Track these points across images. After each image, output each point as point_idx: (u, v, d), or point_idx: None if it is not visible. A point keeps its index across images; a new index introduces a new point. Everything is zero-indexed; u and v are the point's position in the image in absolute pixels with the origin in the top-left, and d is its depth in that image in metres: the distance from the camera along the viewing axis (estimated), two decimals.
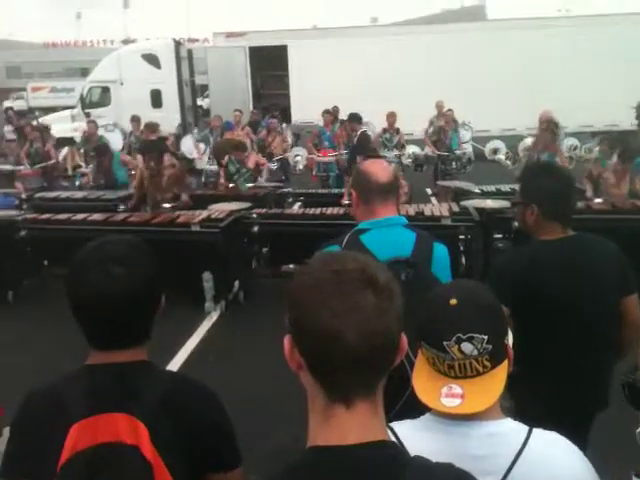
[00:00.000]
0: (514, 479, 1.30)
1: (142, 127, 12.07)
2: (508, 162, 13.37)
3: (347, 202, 7.12)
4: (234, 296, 7.04)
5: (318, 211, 7.24)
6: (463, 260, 6.57)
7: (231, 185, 8.75)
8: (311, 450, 1.06)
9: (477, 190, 8.28)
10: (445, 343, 1.36)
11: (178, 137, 15.23)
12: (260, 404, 4.51)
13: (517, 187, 2.76)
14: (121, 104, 16.67)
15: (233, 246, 6.88)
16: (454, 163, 11.55)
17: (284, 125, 13.99)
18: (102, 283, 1.47)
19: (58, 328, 4.27)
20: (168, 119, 15.95)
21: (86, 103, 18.01)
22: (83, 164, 12.34)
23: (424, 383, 1.41)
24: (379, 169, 2.48)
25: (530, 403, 2.33)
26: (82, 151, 12.69)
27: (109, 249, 1.54)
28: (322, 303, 1.02)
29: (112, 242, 1.58)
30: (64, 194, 9.47)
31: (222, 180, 9.10)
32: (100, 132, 12.71)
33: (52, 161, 11.36)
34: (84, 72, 28.97)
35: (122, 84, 17.58)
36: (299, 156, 12.68)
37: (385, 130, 11.44)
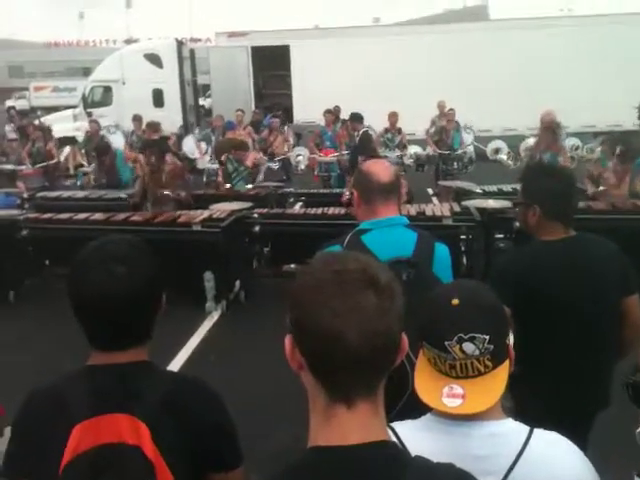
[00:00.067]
0: (515, 479, 1.30)
1: (144, 126, 12.10)
2: (510, 162, 13.34)
3: (347, 196, 7.11)
4: (235, 296, 7.04)
5: (319, 211, 7.24)
6: (464, 260, 6.57)
7: (227, 186, 8.75)
8: (312, 450, 1.06)
9: (478, 190, 8.27)
10: (447, 343, 1.36)
11: (180, 137, 15.25)
12: (261, 404, 4.51)
13: (519, 187, 2.76)
14: (123, 104, 16.66)
15: (234, 246, 6.88)
16: (455, 163, 11.54)
17: (286, 127, 13.97)
18: (104, 283, 1.47)
19: (59, 328, 4.27)
20: (170, 119, 15.96)
21: (88, 102, 18.01)
22: (85, 163, 12.35)
23: (425, 383, 1.41)
24: (381, 169, 2.48)
25: (530, 403, 2.33)
26: (84, 151, 12.70)
27: (111, 249, 1.54)
28: (323, 303, 1.02)
29: (113, 242, 1.58)
30: (66, 194, 9.47)
31: (220, 179, 9.12)
32: (102, 134, 12.71)
33: (54, 161, 11.37)
34: (86, 72, 29.01)
35: (124, 84, 17.58)
36: (301, 156, 12.68)
37: (387, 130, 11.44)
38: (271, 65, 17.50)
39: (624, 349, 2.60)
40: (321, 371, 1.05)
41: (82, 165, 12.49)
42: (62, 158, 12.50)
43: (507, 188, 8.22)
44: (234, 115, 12.87)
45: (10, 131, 14.64)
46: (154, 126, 11.20)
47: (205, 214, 7.03)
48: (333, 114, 12.02)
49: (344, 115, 11.96)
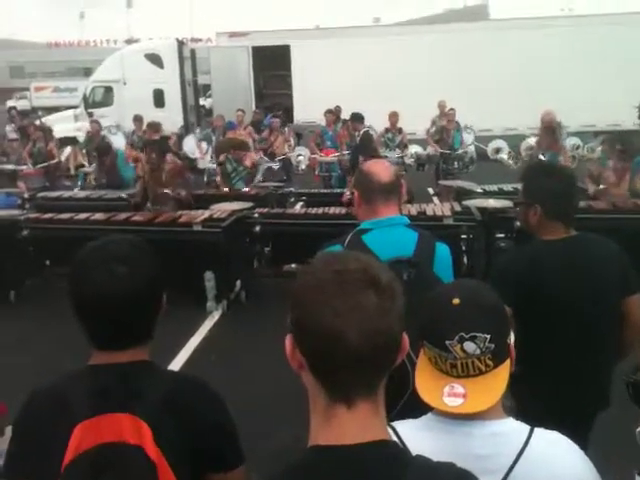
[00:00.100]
0: (515, 478, 1.30)
1: (144, 126, 12.11)
2: (510, 162, 13.35)
3: (348, 196, 7.11)
4: (236, 296, 7.04)
5: (320, 211, 7.24)
6: (465, 260, 6.57)
7: (225, 189, 8.74)
8: (312, 450, 1.06)
9: (479, 190, 8.27)
10: (448, 342, 1.36)
11: (180, 137, 15.26)
12: (262, 404, 4.51)
13: (519, 187, 2.76)
14: (124, 104, 16.67)
15: (235, 246, 6.89)
16: (456, 163, 11.53)
17: (287, 127, 13.98)
18: (105, 283, 1.48)
19: (60, 328, 4.27)
20: (170, 119, 15.97)
21: (89, 103, 18.01)
22: (86, 164, 12.37)
23: (426, 382, 1.41)
24: (381, 169, 2.48)
25: (530, 404, 2.33)
26: (85, 151, 12.72)
27: (112, 249, 1.54)
28: (324, 303, 1.02)
29: (114, 242, 1.58)
30: (66, 194, 9.47)
31: (218, 178, 9.13)
32: (103, 134, 12.72)
33: (55, 161, 11.38)
34: (87, 72, 29.07)
35: (125, 84, 17.59)
36: (301, 156, 12.68)
37: (387, 130, 11.44)
38: (272, 65, 17.52)
39: (624, 350, 2.60)
40: (321, 371, 1.05)
41: (83, 165, 12.53)
42: (63, 158, 12.52)
43: (508, 188, 8.22)
44: (235, 115, 12.87)
45: (11, 131, 14.64)
46: (155, 126, 11.20)
47: (206, 214, 7.03)
48: (334, 114, 12.02)
49: (345, 115, 11.95)
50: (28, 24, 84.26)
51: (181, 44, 18.58)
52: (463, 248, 6.62)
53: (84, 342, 1.55)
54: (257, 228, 6.94)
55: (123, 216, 7.20)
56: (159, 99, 17.50)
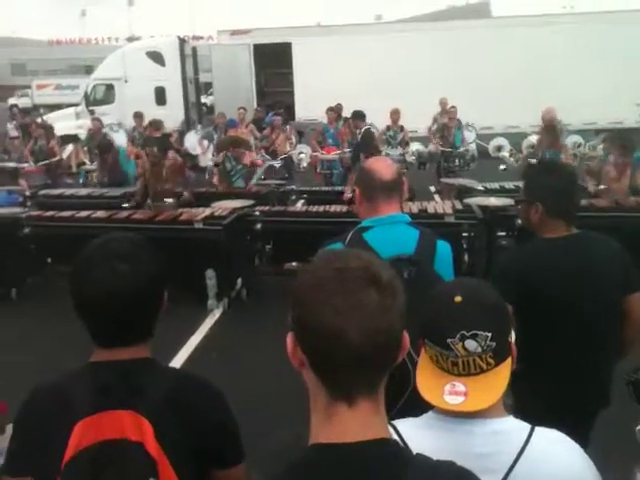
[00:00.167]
0: (516, 477, 1.30)
1: (145, 123, 12.11)
2: (512, 159, 13.33)
3: (349, 196, 7.12)
4: (237, 294, 7.04)
5: (321, 209, 7.24)
6: (466, 258, 6.56)
7: (222, 187, 8.74)
8: (313, 448, 1.06)
9: (480, 187, 8.26)
10: (449, 340, 1.36)
11: (182, 133, 15.26)
12: (263, 402, 4.51)
13: (521, 184, 2.75)
14: (125, 101, 16.67)
15: (236, 243, 6.89)
16: (457, 160, 11.53)
17: (288, 125, 13.97)
18: (107, 280, 1.48)
19: (61, 325, 4.27)
20: (172, 116, 15.97)
21: (90, 100, 18.02)
22: (87, 161, 12.37)
23: (427, 381, 1.41)
24: (383, 167, 2.48)
25: (531, 402, 2.33)
26: (86, 148, 12.72)
27: (114, 246, 1.54)
28: (325, 301, 1.02)
29: (116, 239, 1.58)
30: (68, 191, 9.46)
31: (215, 178, 9.15)
32: (104, 131, 12.73)
33: (56, 158, 11.37)
34: (88, 69, 29.01)
35: (126, 81, 17.59)
36: (303, 153, 12.67)
37: (389, 127, 11.43)
38: (273, 63, 17.51)
39: (626, 348, 2.59)
40: (322, 369, 1.05)
41: (84, 163, 12.52)
42: (64, 156, 12.51)
43: (509, 185, 8.21)
44: (236, 113, 12.86)
45: (12, 129, 14.68)
46: (157, 124, 11.20)
47: (207, 212, 7.03)
48: (335, 112, 12.02)
49: (346, 113, 11.95)
50: (30, 22, 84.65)
51: (182, 42, 18.58)
52: (464, 246, 6.61)
53: (86, 340, 1.55)
54: (258, 226, 6.94)
55: (124, 214, 7.21)
56: (160, 97, 17.50)
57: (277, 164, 11.72)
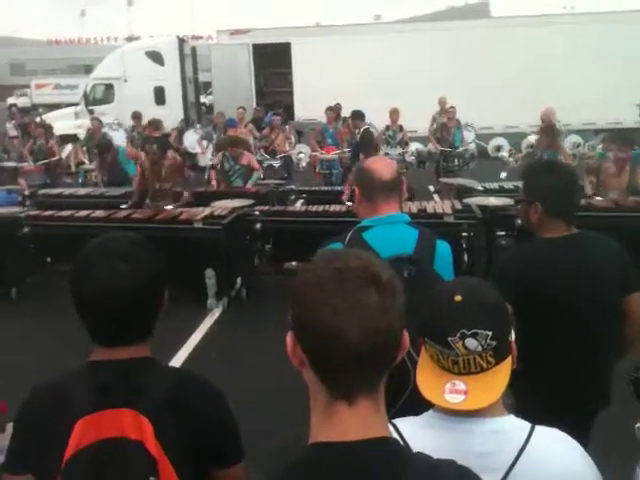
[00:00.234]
0: (516, 476, 1.30)
1: (144, 123, 12.11)
2: (511, 159, 13.35)
3: (349, 202, 7.12)
4: (236, 293, 7.05)
5: (321, 208, 7.24)
6: (465, 258, 6.57)
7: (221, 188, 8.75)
8: (313, 447, 1.06)
9: (480, 187, 8.26)
10: (450, 339, 1.36)
11: (181, 131, 15.26)
12: (262, 401, 4.52)
13: (520, 184, 2.75)
14: (124, 101, 16.66)
15: (235, 243, 6.89)
16: (456, 160, 11.54)
17: (287, 125, 13.97)
18: (107, 280, 1.48)
19: (61, 325, 4.28)
20: (171, 116, 15.97)
21: (90, 100, 18.01)
22: (87, 161, 12.37)
23: (428, 379, 1.41)
24: (382, 166, 2.48)
25: (530, 402, 2.33)
26: (85, 148, 12.72)
27: (113, 246, 1.54)
28: (325, 301, 1.02)
29: (116, 239, 1.58)
30: (67, 191, 9.48)
31: (213, 179, 9.15)
32: (104, 130, 12.72)
33: (55, 158, 11.37)
34: (88, 69, 29.02)
35: (126, 81, 17.58)
36: (302, 153, 12.68)
37: (388, 127, 11.43)
38: (272, 63, 17.51)
39: (625, 348, 2.59)
40: (322, 368, 1.05)
41: (83, 162, 12.53)
42: (64, 156, 12.52)
43: (509, 185, 8.21)
44: (235, 112, 12.86)
45: (12, 128, 14.68)
46: (156, 124, 11.21)
47: (206, 211, 7.03)
48: (334, 111, 12.02)
49: (345, 112, 11.95)
50: (29, 21, 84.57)
51: (182, 42, 18.57)
52: (464, 246, 6.62)
53: (85, 340, 1.55)
54: (258, 225, 6.94)
55: (124, 213, 7.21)
56: (160, 96, 17.50)
57: (276, 164, 11.72)
